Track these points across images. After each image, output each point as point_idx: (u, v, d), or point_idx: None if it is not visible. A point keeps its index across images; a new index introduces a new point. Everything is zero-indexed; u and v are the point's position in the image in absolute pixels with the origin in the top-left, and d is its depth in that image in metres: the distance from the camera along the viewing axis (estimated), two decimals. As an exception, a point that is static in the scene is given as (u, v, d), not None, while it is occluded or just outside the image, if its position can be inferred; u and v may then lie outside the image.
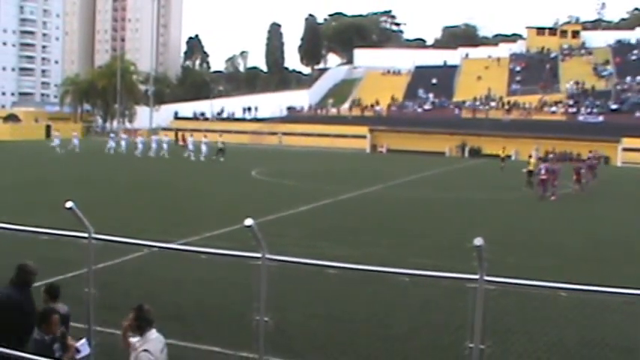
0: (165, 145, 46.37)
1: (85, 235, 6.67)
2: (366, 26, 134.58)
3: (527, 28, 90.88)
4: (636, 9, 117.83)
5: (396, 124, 67.37)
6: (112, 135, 53.47)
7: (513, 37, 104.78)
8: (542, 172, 27.27)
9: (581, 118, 64.94)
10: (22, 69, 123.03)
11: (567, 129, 60.79)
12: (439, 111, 71.61)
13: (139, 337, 4.93)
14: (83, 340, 5.35)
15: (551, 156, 42.22)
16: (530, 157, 31.86)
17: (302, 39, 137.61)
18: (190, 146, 45.63)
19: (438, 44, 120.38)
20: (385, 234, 16.73)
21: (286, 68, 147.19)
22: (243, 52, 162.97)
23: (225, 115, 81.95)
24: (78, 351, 5.20)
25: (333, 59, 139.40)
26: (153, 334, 4.99)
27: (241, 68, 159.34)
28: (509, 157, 37.02)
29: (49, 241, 7.90)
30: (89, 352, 5.31)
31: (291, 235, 15.45)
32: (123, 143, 50.37)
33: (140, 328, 4.95)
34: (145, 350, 4.81)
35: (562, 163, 31.88)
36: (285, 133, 70.62)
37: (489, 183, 32.36)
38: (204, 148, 44.53)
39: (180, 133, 62.30)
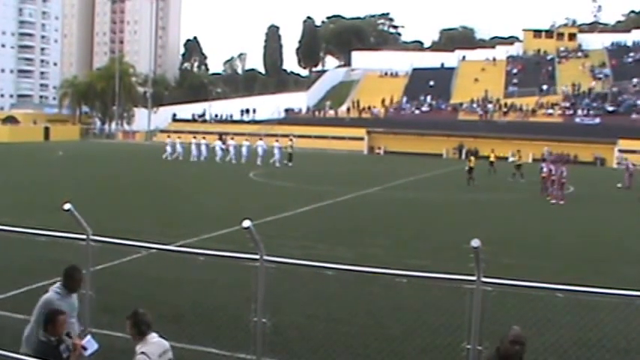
0: (231, 150, 44.18)
1: (84, 236, 6.69)
2: (363, 29, 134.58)
3: (524, 30, 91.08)
4: (632, 12, 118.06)
5: (393, 126, 67.36)
6: (198, 140, 46.81)
7: (510, 40, 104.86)
8: (544, 170, 27.36)
9: (577, 119, 65.07)
10: (20, 71, 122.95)
11: (564, 131, 60.86)
12: (436, 113, 71.63)
13: (140, 342, 4.91)
14: (88, 337, 5.30)
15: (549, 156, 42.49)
16: (469, 152, 33.03)
17: (300, 41, 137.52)
18: (232, 150, 43.88)
19: (435, 46, 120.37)
20: (383, 235, 16.75)
21: (284, 70, 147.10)
22: (241, 54, 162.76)
23: (207, 116, 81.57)
24: (84, 349, 5.17)
25: (330, 61, 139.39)
26: (154, 337, 4.96)
27: (239, 70, 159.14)
28: (498, 159, 38.43)
29: (47, 243, 7.91)
30: (97, 347, 5.26)
31: (289, 236, 15.46)
32: (202, 148, 45.45)
33: (141, 332, 4.91)
34: (142, 353, 4.79)
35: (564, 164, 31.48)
36: (283, 135, 69.98)
37: (487, 184, 32.40)
38: (276, 152, 42.99)
39: (223, 137, 58.70)
